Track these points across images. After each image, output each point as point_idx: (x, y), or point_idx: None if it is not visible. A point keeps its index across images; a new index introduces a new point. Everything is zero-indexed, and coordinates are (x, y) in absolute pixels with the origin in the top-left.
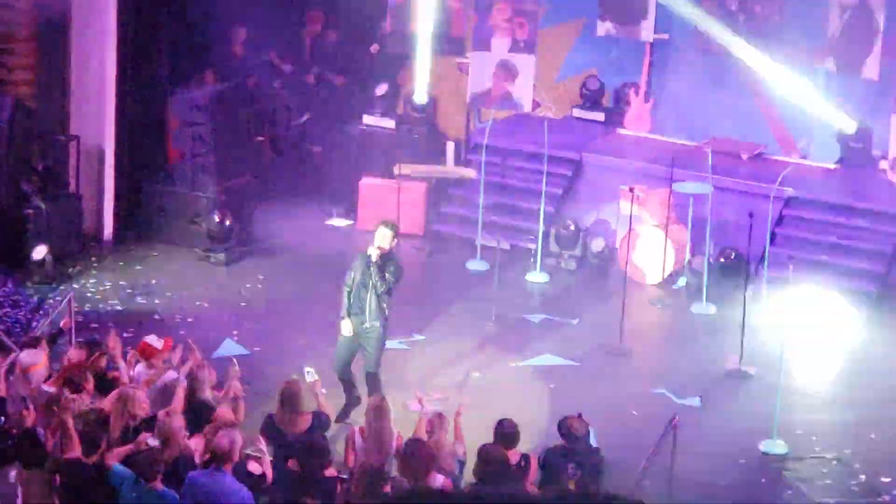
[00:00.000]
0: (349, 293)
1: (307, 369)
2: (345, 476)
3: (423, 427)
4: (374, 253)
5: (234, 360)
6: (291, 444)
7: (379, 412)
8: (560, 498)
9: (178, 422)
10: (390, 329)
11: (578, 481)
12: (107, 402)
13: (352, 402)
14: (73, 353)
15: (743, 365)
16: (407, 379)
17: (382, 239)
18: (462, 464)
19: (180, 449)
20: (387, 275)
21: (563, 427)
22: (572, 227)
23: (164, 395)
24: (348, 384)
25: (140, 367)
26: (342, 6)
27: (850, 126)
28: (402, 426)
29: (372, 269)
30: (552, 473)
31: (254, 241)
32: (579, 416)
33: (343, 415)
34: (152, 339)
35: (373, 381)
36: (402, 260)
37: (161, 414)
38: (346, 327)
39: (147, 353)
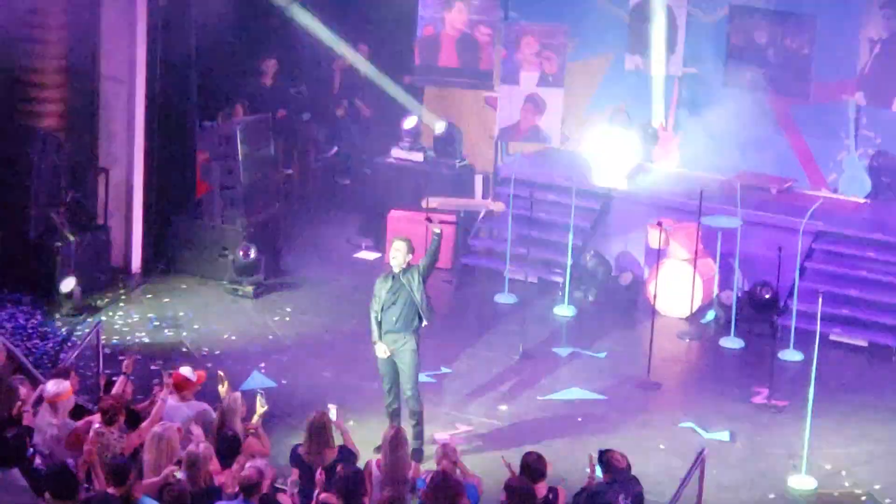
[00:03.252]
0: (377, 318)
1: (330, 406)
2: None
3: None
4: (396, 266)
5: (261, 392)
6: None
7: (395, 443)
8: None
9: (206, 453)
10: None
11: None
12: (135, 437)
13: None
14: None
15: (772, 399)
16: (434, 412)
17: (397, 253)
18: (479, 497)
19: (208, 481)
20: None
21: (604, 459)
22: (589, 260)
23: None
24: (395, 416)
25: (172, 400)
26: (372, 39)
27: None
28: (429, 458)
29: (401, 278)
30: None
31: (282, 274)
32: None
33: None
34: (187, 371)
35: (413, 413)
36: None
37: (190, 446)
38: (381, 349)
39: (181, 385)
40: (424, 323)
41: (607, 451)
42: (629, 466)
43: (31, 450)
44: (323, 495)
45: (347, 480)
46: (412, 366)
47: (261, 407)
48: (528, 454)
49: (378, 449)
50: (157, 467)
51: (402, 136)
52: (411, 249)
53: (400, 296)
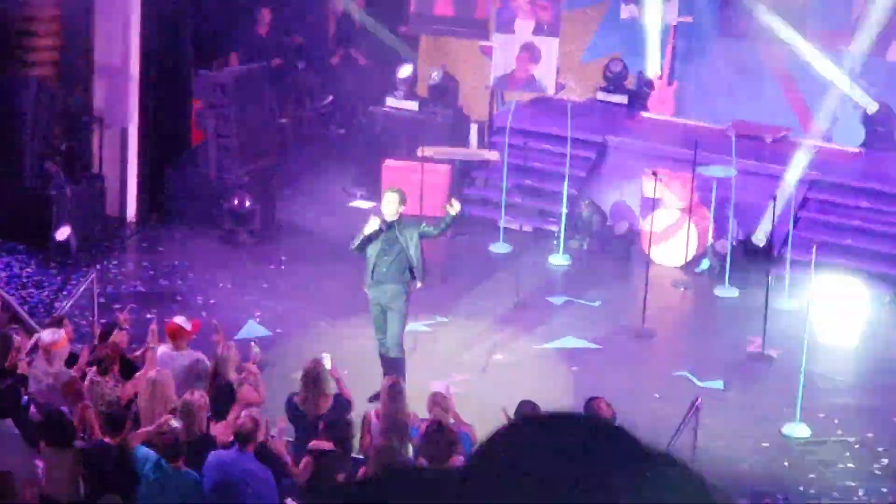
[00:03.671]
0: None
1: (324, 355)
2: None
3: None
4: (389, 216)
5: (255, 342)
6: (313, 424)
7: (394, 393)
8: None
9: (201, 401)
10: (413, 311)
11: None
12: (130, 387)
13: None
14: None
15: (766, 348)
16: (429, 361)
17: (389, 203)
18: (472, 445)
19: (203, 430)
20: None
21: (588, 408)
22: (584, 209)
23: (188, 376)
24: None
25: (164, 348)
26: None
27: (872, 107)
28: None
29: (396, 230)
30: None
31: (276, 223)
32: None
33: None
34: (181, 321)
35: (392, 364)
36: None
37: (185, 395)
38: (373, 222)
39: (176, 335)
40: (419, 284)
41: (593, 399)
42: (614, 416)
43: (26, 398)
44: (314, 442)
45: (337, 427)
46: (400, 317)
47: (255, 356)
48: (523, 403)
49: (373, 398)
50: (151, 413)
51: (397, 85)
52: (403, 200)
53: (394, 247)
